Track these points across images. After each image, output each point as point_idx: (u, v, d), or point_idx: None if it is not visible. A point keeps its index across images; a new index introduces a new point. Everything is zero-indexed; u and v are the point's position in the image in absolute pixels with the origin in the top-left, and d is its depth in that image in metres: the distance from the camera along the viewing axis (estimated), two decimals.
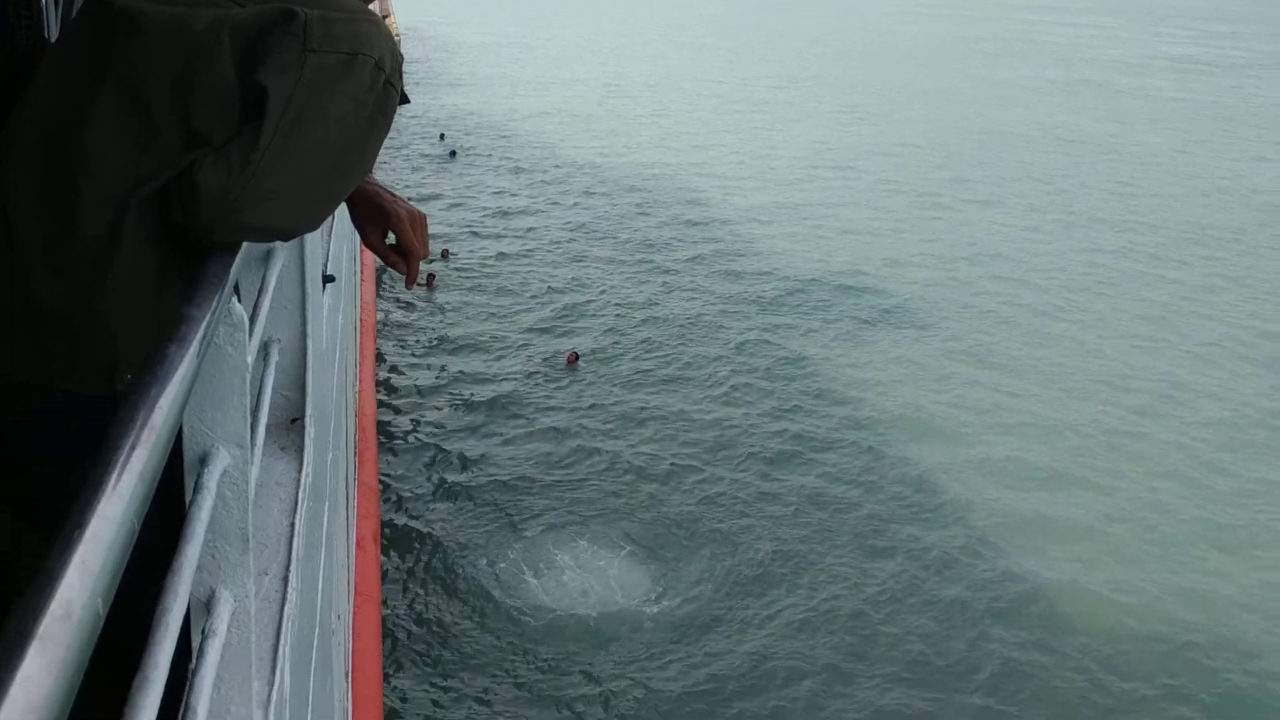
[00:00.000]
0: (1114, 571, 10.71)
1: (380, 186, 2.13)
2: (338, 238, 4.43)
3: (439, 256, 18.95)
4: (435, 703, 8.81)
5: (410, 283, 2.19)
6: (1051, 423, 13.81)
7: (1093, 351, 16.36)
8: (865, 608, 10.04)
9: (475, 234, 21.59)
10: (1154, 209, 25.04)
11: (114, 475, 0.88)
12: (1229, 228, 23.84)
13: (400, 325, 16.49)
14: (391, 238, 2.12)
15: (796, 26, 63.65)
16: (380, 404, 12.92)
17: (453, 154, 28.87)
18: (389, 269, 2.21)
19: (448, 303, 17.55)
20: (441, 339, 16.14)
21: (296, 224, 1.72)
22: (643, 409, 13.98)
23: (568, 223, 22.81)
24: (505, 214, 23.20)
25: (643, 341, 16.30)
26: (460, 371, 15.05)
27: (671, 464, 12.50)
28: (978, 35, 62.46)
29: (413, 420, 13.63)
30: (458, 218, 22.52)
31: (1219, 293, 19.49)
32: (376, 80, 1.71)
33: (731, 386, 14.79)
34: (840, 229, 22.65)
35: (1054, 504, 11.92)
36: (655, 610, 9.93)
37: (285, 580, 1.99)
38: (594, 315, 17.39)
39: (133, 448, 0.93)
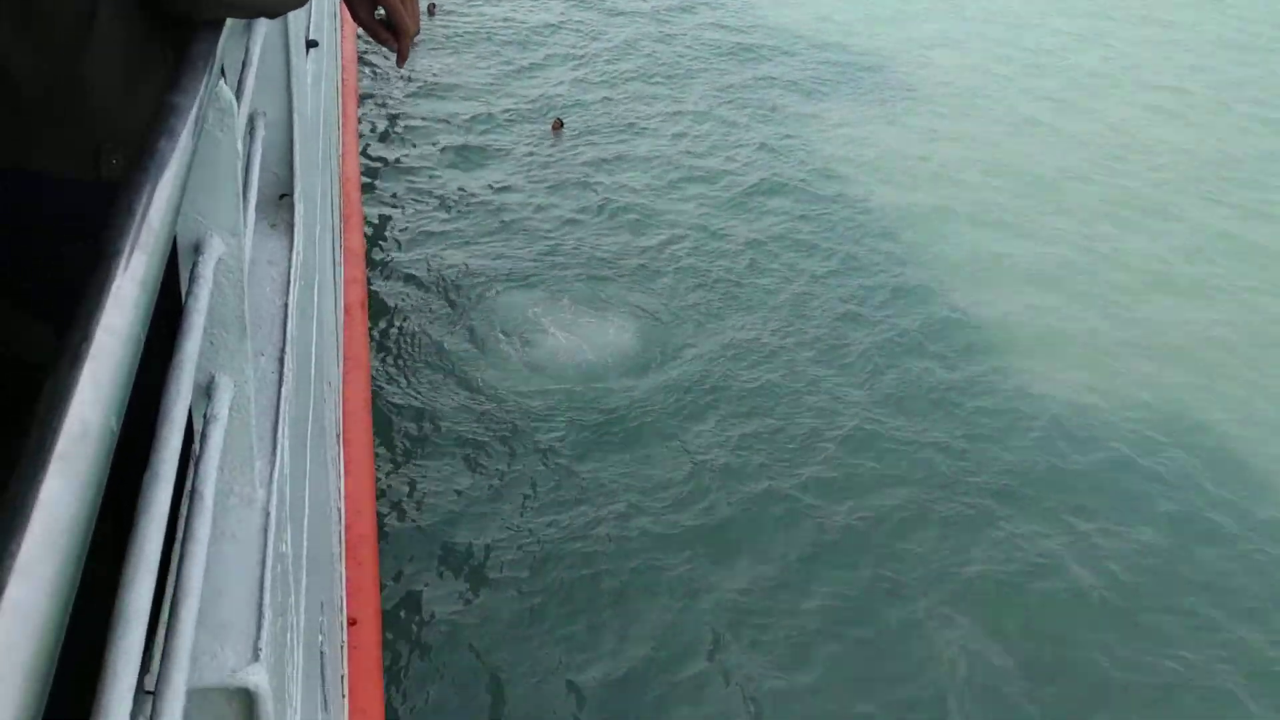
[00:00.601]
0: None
1: None
2: None
3: (425, 12, 18.24)
4: (422, 463, 9.08)
5: (402, 61, 2.10)
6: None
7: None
8: (850, 357, 10.28)
9: None
10: None
11: (116, 283, 0.86)
12: None
13: (381, 80, 16.06)
14: (381, 11, 2.02)
15: None
16: (363, 168, 12.74)
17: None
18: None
19: (434, 54, 17.02)
20: (425, 94, 15.76)
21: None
22: (629, 180, 13.87)
23: None
24: None
25: (633, 99, 15.99)
26: (443, 129, 14.79)
27: (657, 240, 12.52)
28: None
29: (395, 183, 13.48)
30: None
31: None
32: None
33: (715, 144, 14.64)
34: None
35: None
36: (637, 369, 10.15)
37: (281, 361, 2.00)
38: (583, 72, 16.97)
39: (132, 252, 0.91)
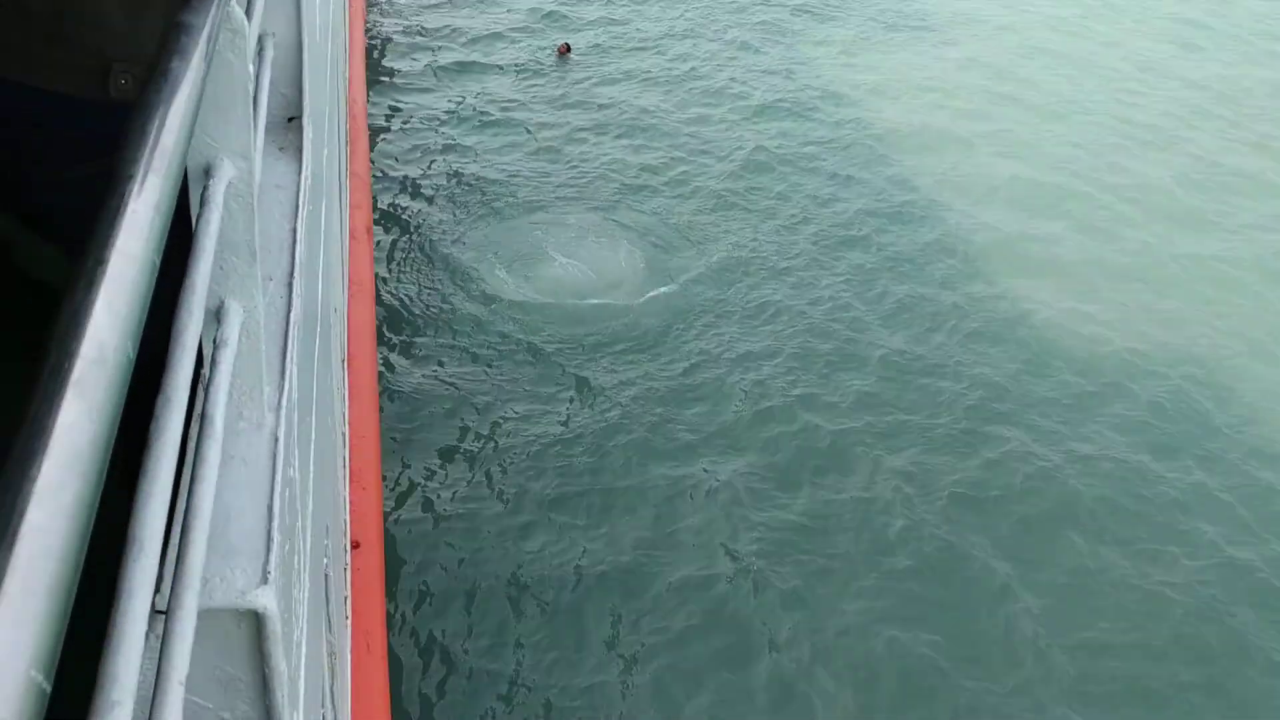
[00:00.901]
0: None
1: None
2: None
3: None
4: (425, 385, 9.11)
5: None
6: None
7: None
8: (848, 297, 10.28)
9: None
10: None
11: (130, 207, 0.86)
12: None
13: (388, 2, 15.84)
14: None
15: None
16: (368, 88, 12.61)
17: None
18: None
19: None
20: (429, 20, 15.55)
21: None
22: (636, 101, 13.75)
23: None
24: None
25: (641, 33, 15.77)
26: (449, 59, 14.61)
27: (663, 160, 12.44)
28: None
29: (400, 106, 13.35)
30: None
31: None
32: None
33: (727, 83, 14.47)
34: None
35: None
36: (641, 300, 10.14)
37: (289, 286, 2.00)
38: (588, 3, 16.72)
39: (146, 175, 0.91)
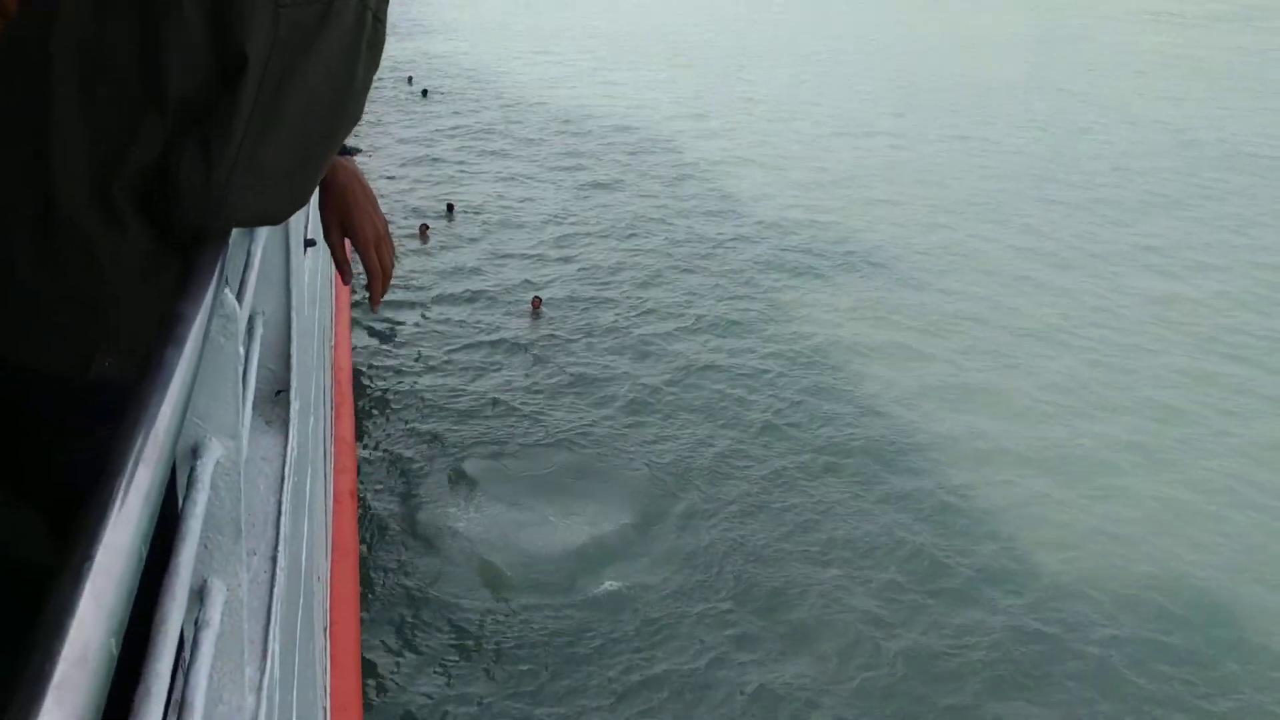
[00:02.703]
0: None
1: (355, 182, 2.00)
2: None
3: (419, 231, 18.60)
4: (410, 652, 8.86)
5: (375, 305, 2.10)
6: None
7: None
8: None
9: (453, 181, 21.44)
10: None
11: (119, 499, 0.86)
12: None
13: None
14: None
15: None
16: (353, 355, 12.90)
17: (424, 93, 28.92)
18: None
19: (426, 255, 17.46)
20: (407, 286, 16.13)
21: (291, 204, 1.61)
22: (607, 352, 14.18)
23: (543, 162, 22.90)
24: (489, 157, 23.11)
25: (610, 288, 16.38)
26: (425, 318, 15.12)
27: (655, 409, 12.69)
28: None
29: (380, 369, 13.65)
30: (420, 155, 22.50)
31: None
32: (363, 20, 1.56)
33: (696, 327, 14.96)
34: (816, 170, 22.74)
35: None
36: (634, 570, 9.98)
37: (273, 560, 1.98)
38: (563, 261, 17.48)
39: (137, 466, 0.92)
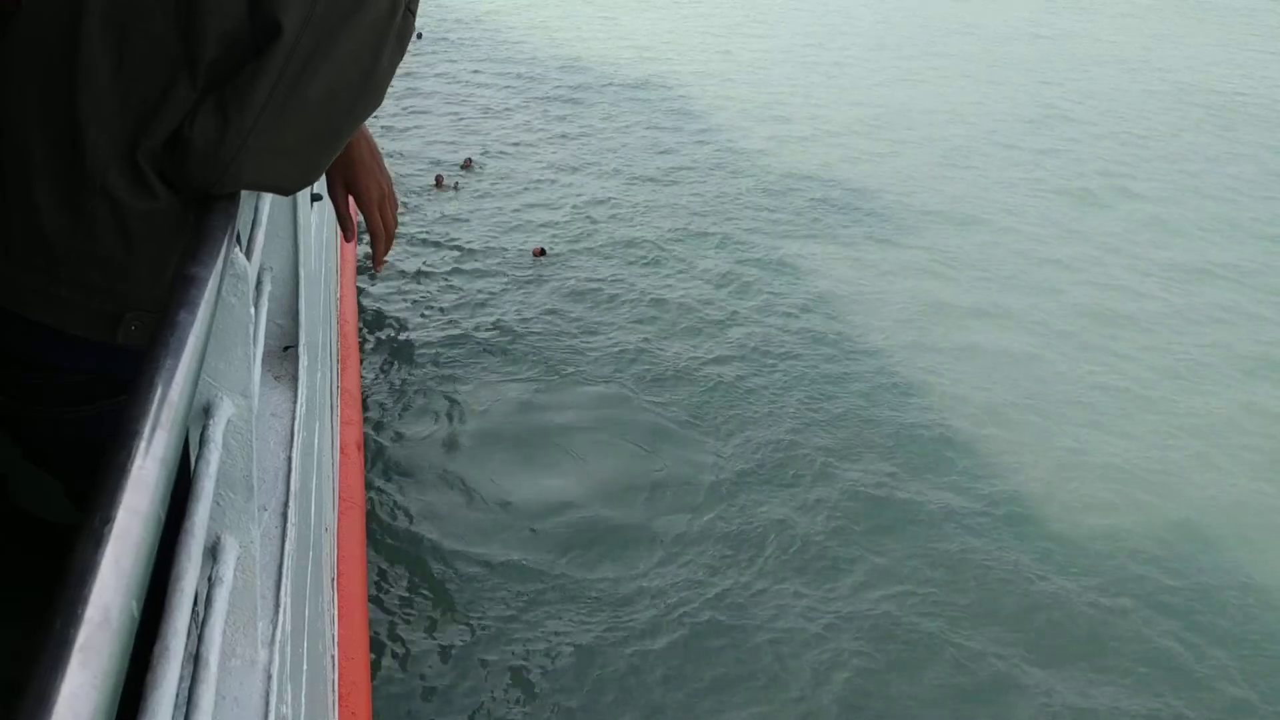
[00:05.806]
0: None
1: (361, 139, 2.00)
2: None
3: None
4: (418, 598, 8.95)
5: (378, 266, 2.12)
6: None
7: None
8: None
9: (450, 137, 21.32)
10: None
11: (138, 464, 0.87)
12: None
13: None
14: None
15: None
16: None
17: (419, 35, 28.90)
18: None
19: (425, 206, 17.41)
20: (411, 237, 16.10)
21: (301, 180, 1.62)
22: (614, 296, 14.23)
23: (545, 113, 22.72)
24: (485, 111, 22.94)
25: (617, 237, 16.37)
26: (431, 268, 15.13)
27: (659, 352, 12.71)
28: None
29: (385, 320, 13.67)
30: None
31: None
32: (396, 10, 1.57)
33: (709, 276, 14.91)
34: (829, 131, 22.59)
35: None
36: (643, 510, 10.06)
37: (284, 515, 2.00)
38: (565, 210, 17.44)
39: (154, 430, 0.93)
